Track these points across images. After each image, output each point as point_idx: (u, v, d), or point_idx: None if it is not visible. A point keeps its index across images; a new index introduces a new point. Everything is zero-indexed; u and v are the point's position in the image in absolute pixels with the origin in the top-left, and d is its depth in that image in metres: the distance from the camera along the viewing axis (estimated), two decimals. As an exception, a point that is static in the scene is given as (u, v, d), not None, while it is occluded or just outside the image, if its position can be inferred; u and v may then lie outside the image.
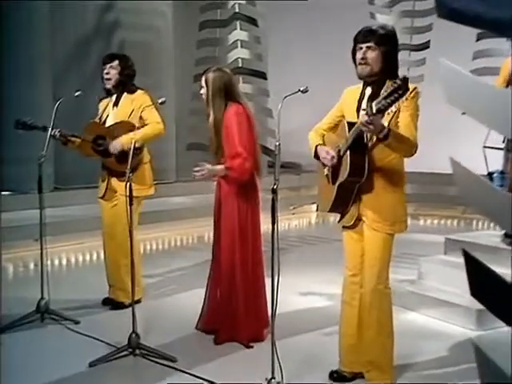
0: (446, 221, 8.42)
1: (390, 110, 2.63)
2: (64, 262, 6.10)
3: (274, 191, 2.88)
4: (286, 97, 2.91)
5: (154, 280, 5.24)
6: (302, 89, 3.00)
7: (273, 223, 2.87)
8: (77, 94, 4.23)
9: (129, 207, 3.50)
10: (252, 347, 3.67)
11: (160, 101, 3.72)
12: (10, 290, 4.63)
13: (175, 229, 7.28)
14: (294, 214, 8.54)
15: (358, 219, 3.04)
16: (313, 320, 4.23)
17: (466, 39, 7.85)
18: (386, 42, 2.90)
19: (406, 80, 2.58)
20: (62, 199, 6.91)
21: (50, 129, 4.12)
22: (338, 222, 3.16)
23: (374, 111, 2.63)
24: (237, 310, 3.71)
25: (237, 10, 8.28)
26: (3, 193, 6.65)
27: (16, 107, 6.57)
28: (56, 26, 7.41)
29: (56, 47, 7.43)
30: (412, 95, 2.78)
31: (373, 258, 2.98)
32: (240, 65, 8.16)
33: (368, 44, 2.90)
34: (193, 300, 4.29)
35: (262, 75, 8.15)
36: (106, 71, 4.36)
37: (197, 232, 7.24)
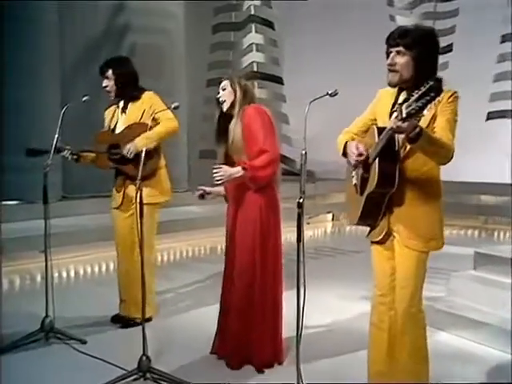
0: (466, 231, 8.25)
1: (423, 113, 2.42)
2: (72, 273, 6.01)
3: (299, 205, 2.69)
4: (312, 101, 2.73)
5: (166, 296, 5.11)
6: (330, 92, 2.80)
7: (298, 241, 2.67)
8: (84, 98, 4.11)
9: (139, 219, 3.33)
10: (263, 372, 3.49)
11: (173, 105, 3.61)
12: (15, 304, 4.49)
13: (187, 239, 7.23)
14: (308, 223, 8.46)
15: (388, 234, 2.82)
16: (336, 341, 4.04)
17: (489, 41, 7.67)
18: (419, 44, 2.65)
19: (439, 81, 2.37)
20: (70, 208, 6.90)
21: (56, 135, 3.97)
22: (367, 236, 2.94)
23: (405, 115, 2.42)
24: (252, 330, 3.53)
25: (252, 12, 8.18)
26: (9, 202, 6.61)
27: (23, 112, 6.50)
28: (65, 28, 7.40)
29: (65, 50, 7.43)
30: (451, 99, 2.59)
31: (404, 278, 2.76)
32: (255, 69, 8.04)
33: (397, 48, 2.68)
34: (208, 318, 4.11)
35: (279, 80, 8.05)
36: (104, 84, 4.26)
37: (209, 243, 7.15)
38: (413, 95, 2.42)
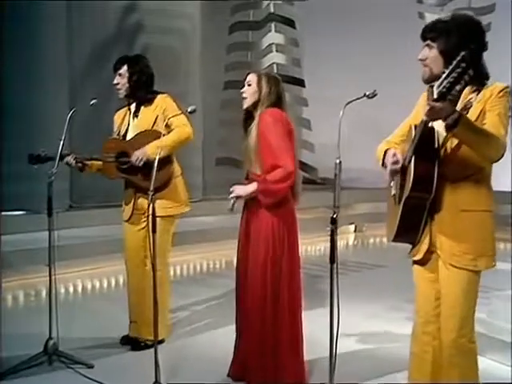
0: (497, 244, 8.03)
1: (456, 89, 2.30)
2: (79, 289, 5.95)
3: (333, 221, 2.53)
4: (348, 103, 2.60)
5: (179, 314, 4.99)
6: (368, 93, 2.65)
7: (332, 261, 2.52)
8: (92, 102, 4.04)
9: (152, 234, 3.21)
10: None
11: (189, 109, 3.48)
12: (18, 322, 4.42)
13: (201, 252, 7.20)
14: None
15: (431, 252, 2.62)
16: (368, 367, 3.86)
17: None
18: (446, 36, 2.51)
19: (475, 52, 2.29)
20: (78, 219, 6.88)
21: (61, 141, 3.88)
22: (409, 253, 2.74)
23: (436, 96, 2.28)
24: (270, 352, 3.41)
25: (272, 11, 8.09)
26: (13, 213, 6.60)
27: (27, 117, 6.48)
28: (73, 28, 7.38)
29: (73, 51, 7.40)
30: (501, 94, 2.44)
31: (452, 304, 2.55)
32: (275, 71, 7.98)
33: (427, 42, 2.58)
34: (225, 339, 4.00)
35: (300, 82, 7.97)
36: (114, 81, 4.17)
37: (225, 256, 7.06)
38: (444, 72, 2.29)
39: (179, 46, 8.19)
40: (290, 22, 7.92)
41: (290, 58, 8.15)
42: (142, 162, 4.00)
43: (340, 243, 8.32)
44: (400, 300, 5.06)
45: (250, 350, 3.47)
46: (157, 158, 3.35)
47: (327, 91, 8.99)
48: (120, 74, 4.13)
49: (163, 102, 4.11)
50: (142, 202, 4.10)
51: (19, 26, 6.75)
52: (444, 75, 2.27)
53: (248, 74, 3.54)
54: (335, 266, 2.55)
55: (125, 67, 4.13)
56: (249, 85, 3.47)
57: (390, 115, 8.68)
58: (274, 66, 8.08)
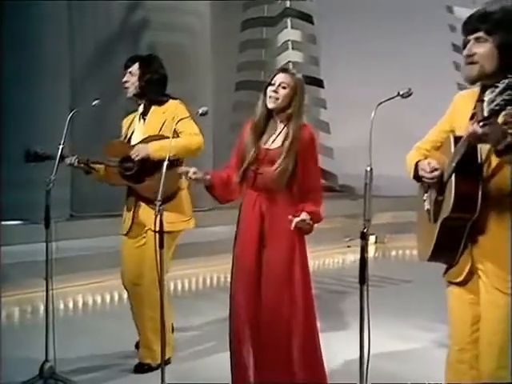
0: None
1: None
2: (80, 305, 5.94)
3: (363, 236, 2.41)
4: (380, 103, 2.49)
5: (186, 334, 4.92)
6: (402, 92, 2.53)
7: (361, 281, 2.42)
8: (94, 103, 4.02)
9: (159, 250, 3.17)
10: None
11: (201, 111, 3.41)
12: (12, 342, 4.39)
13: (211, 265, 7.15)
14: (349, 246, 8.31)
15: (472, 272, 2.51)
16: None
17: None
18: (505, 28, 2.36)
19: None
20: (79, 229, 6.90)
21: (60, 145, 3.85)
22: (444, 274, 2.64)
23: (487, 114, 2.13)
24: (287, 368, 3.34)
25: (288, 5, 8.05)
26: (10, 222, 6.62)
27: (26, 120, 6.50)
28: (75, 27, 7.40)
29: (74, 51, 7.41)
30: None
31: (493, 330, 2.41)
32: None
33: (476, 34, 2.40)
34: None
35: (319, 83, 7.91)
36: (124, 79, 4.15)
37: None
38: (497, 86, 2.12)
39: (188, 43, 8.19)
40: (307, 18, 7.90)
41: (307, 55, 8.14)
42: (139, 157, 3.95)
43: (359, 256, 8.26)
44: (428, 319, 5.00)
45: (261, 368, 3.39)
46: (165, 163, 3.24)
47: (344, 92, 8.96)
48: (130, 72, 4.12)
49: (174, 108, 4.07)
50: (143, 213, 4.05)
51: (19, 24, 6.79)
52: (498, 90, 2.09)
53: (278, 72, 3.42)
54: (365, 287, 2.44)
55: (136, 65, 4.13)
56: (283, 87, 3.35)
57: (412, 118, 8.70)
58: (290, 64, 8.01)
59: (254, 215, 3.39)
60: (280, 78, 3.38)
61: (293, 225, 3.22)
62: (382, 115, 2.79)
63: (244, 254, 3.41)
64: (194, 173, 3.34)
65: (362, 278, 2.44)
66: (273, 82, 3.37)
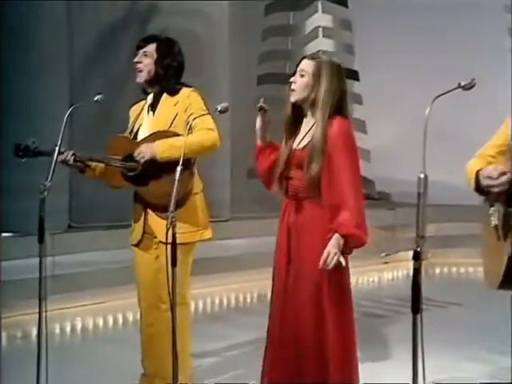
0: None
1: None
2: (78, 328, 5.95)
3: (416, 256, 2.36)
4: (438, 96, 2.47)
5: (202, 361, 4.92)
6: (464, 84, 2.51)
7: (414, 310, 2.38)
8: (97, 98, 3.97)
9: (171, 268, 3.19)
10: None
11: (220, 107, 3.43)
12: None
13: (229, 283, 7.19)
14: (386, 262, 8.43)
15: None
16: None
17: None
18: None
19: None
20: (79, 242, 6.89)
21: (57, 146, 3.81)
22: None
23: None
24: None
25: (318, -14, 8.08)
26: (3, 234, 6.67)
27: (22, 119, 6.56)
28: (74, 13, 7.43)
29: (74, 40, 7.44)
30: None
31: None
32: None
33: None
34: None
35: (353, 75, 7.89)
36: (136, 59, 4.07)
37: (257, 287, 7.05)
38: None
39: (203, 31, 8.18)
40: (341, 0, 7.89)
41: (340, 44, 8.17)
42: (143, 159, 3.88)
43: (399, 273, 8.27)
44: (481, 348, 4.94)
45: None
46: (179, 169, 3.25)
47: (379, 86, 8.95)
48: (145, 53, 4.05)
49: (187, 98, 4.00)
50: (153, 222, 4.01)
51: (15, 16, 6.88)
52: None
53: (302, 59, 3.40)
54: (419, 316, 2.41)
55: (153, 46, 4.06)
56: (301, 75, 3.32)
57: (457, 117, 8.65)
58: (321, 54, 8.02)
59: (283, 226, 3.44)
60: (300, 65, 3.37)
61: (320, 265, 3.15)
62: (422, 113, 2.76)
63: (276, 269, 3.48)
64: None
65: (416, 307, 2.39)
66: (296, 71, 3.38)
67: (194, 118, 3.84)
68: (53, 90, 7.07)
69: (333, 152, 3.23)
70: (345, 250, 3.21)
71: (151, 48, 4.04)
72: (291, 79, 3.36)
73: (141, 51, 4.05)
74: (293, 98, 3.35)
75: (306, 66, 3.33)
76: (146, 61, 4.02)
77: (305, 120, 3.39)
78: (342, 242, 3.17)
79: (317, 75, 3.29)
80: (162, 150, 3.83)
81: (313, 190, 3.29)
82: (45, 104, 6.91)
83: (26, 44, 6.93)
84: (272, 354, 3.48)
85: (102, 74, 7.46)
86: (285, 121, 3.42)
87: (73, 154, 3.93)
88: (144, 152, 3.88)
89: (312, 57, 3.41)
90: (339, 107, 3.32)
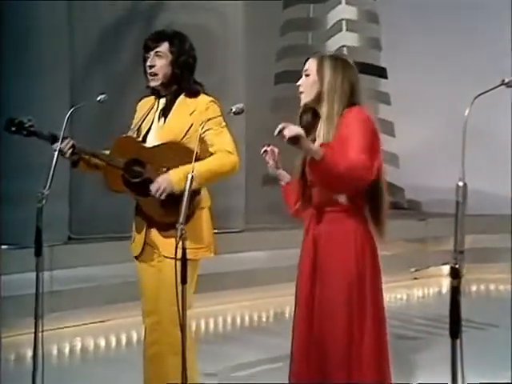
0: None
1: None
2: (77, 349, 5.95)
3: (455, 273, 2.32)
4: (478, 95, 2.49)
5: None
6: (508, 80, 2.52)
7: (453, 334, 2.37)
8: (100, 97, 4.01)
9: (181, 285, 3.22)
10: None
11: (234, 108, 3.46)
12: None
13: (242, 300, 7.21)
14: (416, 278, 8.41)
15: None
16: None
17: None
18: None
19: None
20: (79, 255, 6.88)
21: (57, 146, 3.84)
22: None
23: None
24: None
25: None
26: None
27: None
28: (75, 12, 7.47)
29: (75, 37, 7.49)
30: None
31: None
32: None
33: None
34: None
35: (381, 72, 7.88)
36: (149, 63, 4.04)
37: (273, 305, 7.11)
38: None
39: (215, 25, 8.23)
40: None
41: (365, 38, 8.17)
42: (164, 195, 3.88)
43: (430, 291, 8.29)
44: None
45: None
46: (187, 191, 3.32)
47: (409, 84, 8.95)
48: (158, 54, 4.01)
49: (205, 111, 3.97)
50: (156, 235, 4.04)
51: (15, 10, 6.95)
52: None
53: (306, 61, 3.47)
54: (458, 341, 2.40)
55: (166, 45, 4.02)
56: (306, 75, 3.42)
57: (495, 119, 8.62)
58: (344, 49, 8.01)
59: (308, 240, 3.47)
60: (304, 67, 3.47)
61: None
62: (458, 115, 2.76)
63: (299, 287, 3.51)
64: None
65: (455, 330, 2.38)
66: None
67: (209, 133, 3.87)
68: (53, 90, 7.11)
69: (344, 132, 3.28)
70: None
71: (164, 47, 4.01)
72: (298, 83, 3.45)
73: (152, 52, 4.03)
74: (303, 101, 3.43)
75: (309, 64, 3.44)
76: (160, 62, 4.00)
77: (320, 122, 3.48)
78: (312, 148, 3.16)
79: (320, 71, 3.39)
80: (178, 179, 3.80)
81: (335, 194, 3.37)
82: (45, 105, 6.89)
83: (26, 44, 6.99)
84: (298, 365, 3.52)
85: (104, 73, 7.53)
86: (299, 125, 3.42)
87: (72, 146, 3.90)
88: (162, 187, 3.86)
89: (315, 55, 3.50)
90: (351, 101, 3.39)
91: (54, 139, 3.91)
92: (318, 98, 3.39)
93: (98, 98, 4.01)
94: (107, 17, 7.86)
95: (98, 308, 6.30)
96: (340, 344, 3.38)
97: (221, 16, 8.32)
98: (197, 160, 3.58)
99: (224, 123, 3.96)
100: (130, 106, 4.47)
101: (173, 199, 3.82)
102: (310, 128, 3.44)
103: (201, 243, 4.03)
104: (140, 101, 4.23)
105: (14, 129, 3.98)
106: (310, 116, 3.47)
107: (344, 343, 3.37)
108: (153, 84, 4.04)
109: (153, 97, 4.15)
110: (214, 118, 3.91)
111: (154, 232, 4.05)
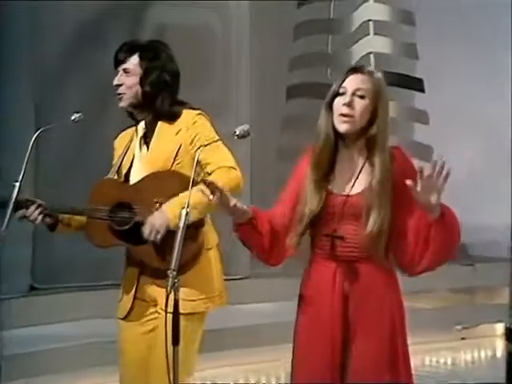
0: None
1: None
2: None
3: (510, 336, 2.36)
4: None
5: None
6: None
7: None
8: (74, 117, 4.12)
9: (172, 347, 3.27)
10: None
11: (238, 131, 3.51)
12: None
13: (247, 362, 7.27)
14: (463, 338, 8.38)
15: None
16: None
17: None
18: None
19: None
20: (45, 309, 6.93)
21: (17, 183, 3.92)
22: None
23: None
24: None
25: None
26: None
27: None
28: (39, 14, 7.47)
29: (38, 43, 7.50)
30: None
31: None
32: (373, 66, 7.93)
33: None
34: None
35: (416, 85, 7.84)
36: (115, 81, 4.16)
37: (285, 366, 6.97)
38: None
39: (216, 28, 8.31)
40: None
41: (398, 43, 8.19)
42: (159, 237, 3.93)
43: (481, 353, 8.31)
44: None
45: None
46: (181, 226, 3.32)
47: (446, 101, 8.98)
48: (126, 70, 4.14)
49: (192, 126, 4.09)
50: (151, 289, 4.10)
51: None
52: None
53: (350, 73, 3.45)
54: None
55: (135, 58, 4.14)
56: (361, 96, 3.42)
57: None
58: (371, 57, 8.04)
59: (334, 296, 3.49)
60: (354, 82, 3.44)
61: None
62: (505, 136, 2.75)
63: (313, 353, 3.51)
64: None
65: None
66: (342, 89, 3.43)
67: (203, 151, 3.88)
68: (14, 108, 7.17)
69: (405, 185, 3.25)
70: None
71: (133, 62, 4.14)
72: (345, 100, 3.40)
73: (120, 68, 4.15)
74: (348, 127, 3.41)
75: (365, 84, 3.44)
76: (128, 81, 4.13)
77: (345, 153, 3.51)
78: None
79: (376, 97, 3.43)
80: (174, 213, 3.78)
81: (380, 247, 3.42)
82: (3, 127, 6.97)
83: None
84: None
85: (80, 87, 7.54)
86: (318, 154, 3.49)
87: (39, 207, 4.01)
88: (156, 227, 3.92)
89: (366, 71, 3.49)
90: None
91: (18, 205, 3.94)
92: (370, 132, 3.42)
93: (73, 118, 4.10)
94: (79, 19, 7.83)
95: (68, 374, 6.22)
96: None
97: (222, 16, 8.41)
98: (193, 185, 3.52)
99: (217, 136, 4.04)
100: (113, 130, 4.55)
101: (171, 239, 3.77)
102: (329, 161, 3.48)
103: (211, 292, 4.12)
104: (116, 137, 4.37)
105: None
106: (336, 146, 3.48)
107: None
108: (120, 105, 4.18)
109: (131, 129, 4.27)
110: (204, 132, 4.05)
111: (148, 282, 4.12)
